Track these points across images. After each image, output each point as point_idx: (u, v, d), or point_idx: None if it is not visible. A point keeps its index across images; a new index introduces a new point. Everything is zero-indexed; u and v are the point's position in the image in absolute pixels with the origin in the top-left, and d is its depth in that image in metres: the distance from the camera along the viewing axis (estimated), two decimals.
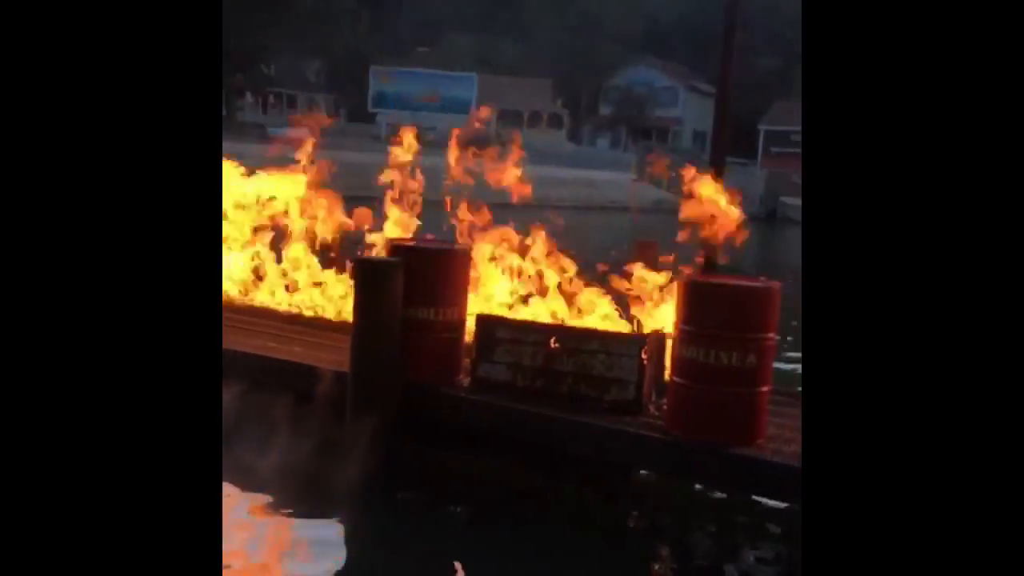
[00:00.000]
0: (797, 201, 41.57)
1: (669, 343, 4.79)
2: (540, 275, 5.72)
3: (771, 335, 4.36)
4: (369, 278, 4.78)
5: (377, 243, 6.09)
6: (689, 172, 5.07)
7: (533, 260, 5.74)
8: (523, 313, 5.55)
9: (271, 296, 6.59)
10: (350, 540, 4.35)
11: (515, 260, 5.81)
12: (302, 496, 4.53)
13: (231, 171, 6.79)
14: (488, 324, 5.00)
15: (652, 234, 6.23)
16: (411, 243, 5.39)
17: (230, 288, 6.54)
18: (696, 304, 4.46)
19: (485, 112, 8.64)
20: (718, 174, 5.75)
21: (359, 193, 6.91)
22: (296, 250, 6.65)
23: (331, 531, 4.40)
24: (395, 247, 5.03)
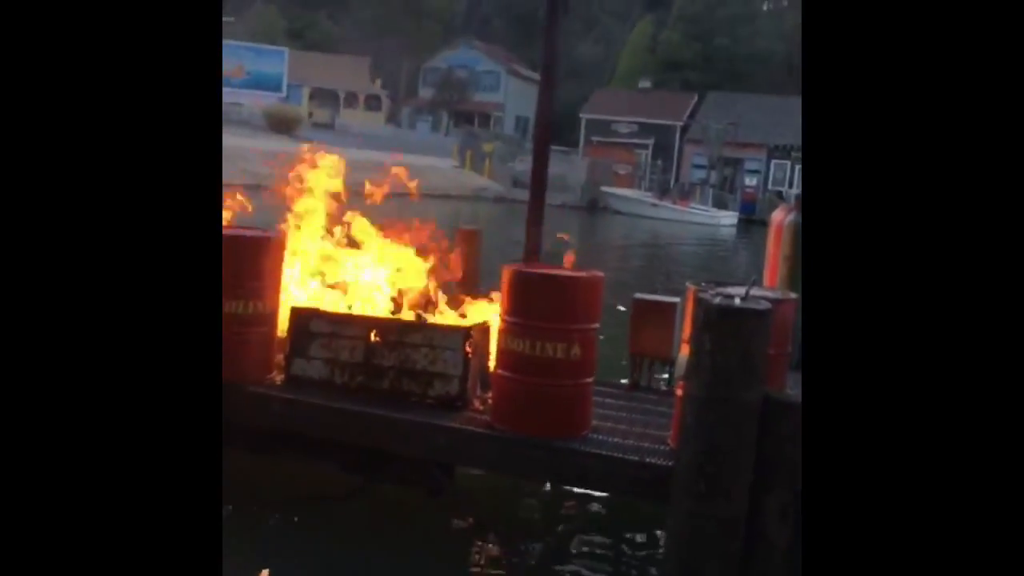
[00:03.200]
0: (617, 190, 39.81)
1: (494, 335, 4.57)
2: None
3: (595, 325, 4.52)
4: None
5: None
6: None
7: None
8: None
9: None
10: None
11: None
12: None
13: None
14: (302, 317, 4.88)
15: (476, 222, 5.40)
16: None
17: None
18: (521, 295, 4.37)
19: None
20: (542, 162, 5.41)
21: None
22: None
23: None
24: None
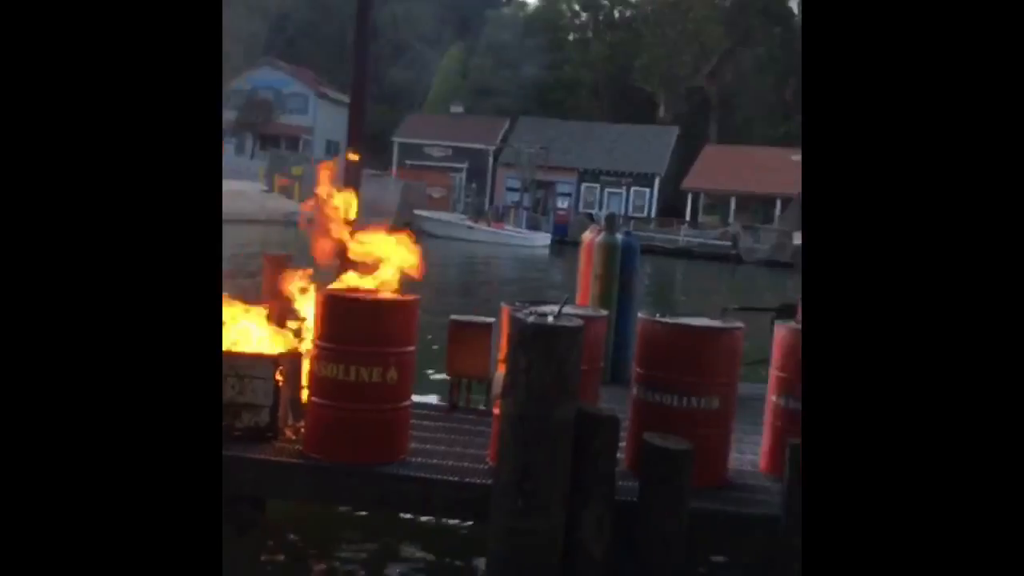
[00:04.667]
0: (432, 213, 41.69)
1: (305, 362, 4.67)
2: None
3: (411, 348, 4.51)
4: None
5: None
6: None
7: None
8: None
9: None
10: None
11: None
12: None
13: None
14: None
15: (287, 248, 5.83)
16: None
17: None
18: (334, 319, 4.43)
19: None
20: (354, 186, 5.62)
21: None
22: None
23: None
24: None
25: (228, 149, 56.10)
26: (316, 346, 4.46)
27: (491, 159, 51.84)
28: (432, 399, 6.52)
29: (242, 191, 38.21)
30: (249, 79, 57.89)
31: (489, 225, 40.77)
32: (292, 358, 4.82)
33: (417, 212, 41.56)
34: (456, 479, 4.25)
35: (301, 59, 60.95)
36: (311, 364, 4.56)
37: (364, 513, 5.06)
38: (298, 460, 4.38)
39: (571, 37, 64.22)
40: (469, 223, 40.77)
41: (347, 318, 4.44)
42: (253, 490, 4.46)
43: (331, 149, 57.19)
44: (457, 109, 54.90)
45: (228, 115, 58.37)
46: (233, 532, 4.52)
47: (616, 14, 64.44)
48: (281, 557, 4.68)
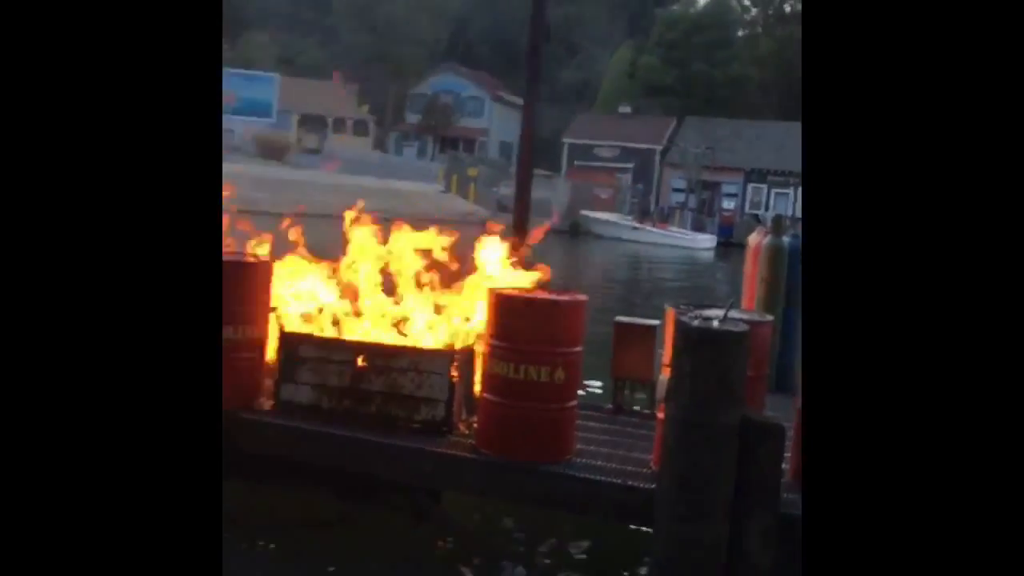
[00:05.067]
0: (598, 214, 39.85)
1: (479, 359, 4.62)
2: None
3: (578, 349, 4.52)
4: None
5: None
6: None
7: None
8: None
9: None
10: None
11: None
12: None
13: None
14: (291, 342, 4.91)
15: (461, 247, 5.56)
16: None
17: None
18: (505, 318, 4.39)
19: None
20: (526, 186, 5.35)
21: None
22: None
23: None
24: None
25: (410, 152, 58.67)
26: (488, 344, 4.58)
27: (657, 159, 51.20)
28: (595, 397, 6.53)
29: (423, 192, 39.97)
30: (431, 84, 60.47)
31: (654, 226, 40.29)
32: (467, 354, 4.96)
33: (584, 212, 41.62)
34: (620, 482, 4.24)
35: (479, 63, 62.47)
36: (484, 361, 4.68)
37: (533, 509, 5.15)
38: (470, 455, 4.51)
39: (740, 33, 62.41)
40: (634, 224, 40.42)
41: (516, 317, 4.51)
42: (429, 482, 4.62)
43: (504, 150, 58.30)
44: (625, 109, 54.52)
45: (411, 119, 61.02)
46: (410, 521, 4.73)
47: (787, 8, 62.10)
48: (453, 547, 4.84)
